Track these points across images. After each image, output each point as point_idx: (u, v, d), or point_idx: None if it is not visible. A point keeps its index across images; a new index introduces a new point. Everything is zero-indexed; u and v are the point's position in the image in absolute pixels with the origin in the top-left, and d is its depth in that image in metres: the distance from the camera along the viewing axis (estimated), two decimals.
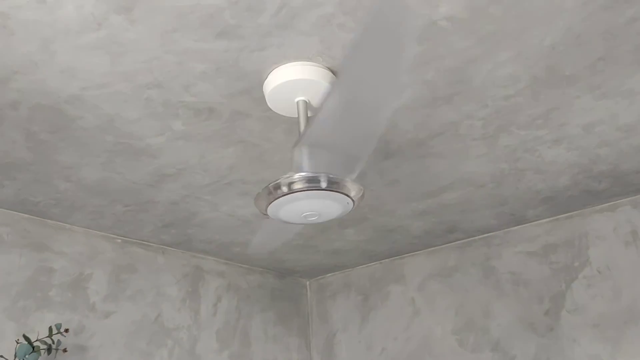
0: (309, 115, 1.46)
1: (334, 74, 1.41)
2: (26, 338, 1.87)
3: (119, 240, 2.44)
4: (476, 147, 1.85)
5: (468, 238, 2.78)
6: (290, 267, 3.08)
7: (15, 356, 1.86)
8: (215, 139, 1.69)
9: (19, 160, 1.76)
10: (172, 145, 1.72)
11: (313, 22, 1.24)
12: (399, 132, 1.73)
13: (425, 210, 2.38)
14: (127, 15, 1.18)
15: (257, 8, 1.18)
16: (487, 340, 2.59)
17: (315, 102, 1.44)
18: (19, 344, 1.88)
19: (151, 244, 2.55)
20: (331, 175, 1.25)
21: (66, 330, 1.95)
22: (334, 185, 1.25)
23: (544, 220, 2.57)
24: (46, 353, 1.93)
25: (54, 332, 1.93)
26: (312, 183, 1.24)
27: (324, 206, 1.29)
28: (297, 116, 1.48)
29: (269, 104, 1.45)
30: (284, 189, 1.25)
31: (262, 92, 1.46)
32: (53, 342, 1.93)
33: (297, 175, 1.24)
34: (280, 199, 1.26)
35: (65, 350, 1.94)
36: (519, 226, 2.64)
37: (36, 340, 1.90)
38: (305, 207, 1.28)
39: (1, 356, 1.88)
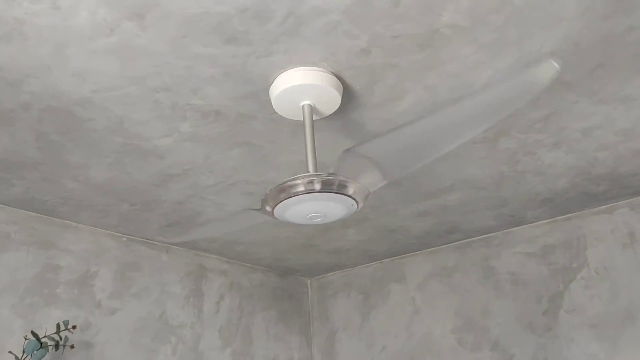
0: (314, 118, 1.50)
1: (338, 79, 1.45)
2: (34, 334, 1.91)
3: (124, 239, 2.48)
4: (477, 150, 1.89)
5: (468, 239, 2.82)
6: (291, 266, 3.12)
7: (23, 352, 1.90)
8: (221, 140, 1.73)
9: (28, 160, 1.79)
10: (178, 147, 1.76)
11: (319, 29, 1.27)
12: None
13: (426, 211, 2.42)
14: (138, 22, 1.22)
15: (265, 16, 1.22)
16: (486, 340, 2.63)
17: (320, 106, 1.48)
18: (27, 340, 1.91)
19: (155, 242, 2.59)
20: (336, 178, 1.28)
21: (74, 327, 1.99)
22: (338, 188, 1.29)
23: (543, 221, 2.61)
24: (54, 349, 1.97)
25: (61, 329, 1.97)
26: (317, 185, 1.27)
27: (328, 208, 1.33)
28: (302, 119, 1.51)
29: (274, 107, 1.49)
30: (290, 191, 1.28)
31: (269, 95, 1.49)
32: (61, 339, 1.97)
33: (302, 178, 1.28)
34: (287, 200, 1.29)
35: (72, 347, 1.98)
36: (518, 227, 2.68)
37: (44, 337, 1.94)
38: (311, 209, 1.32)
39: (10, 352, 1.91)
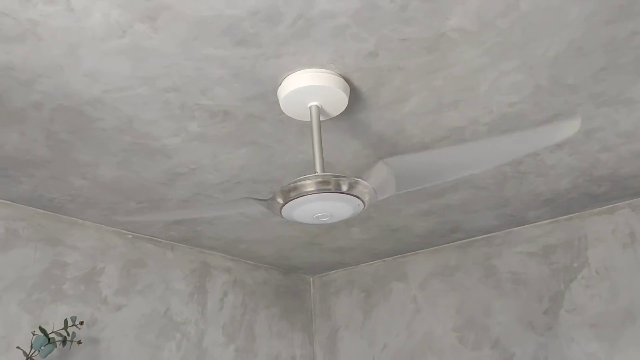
0: (321, 119, 1.52)
1: (346, 81, 1.47)
2: (42, 330, 1.94)
3: (130, 236, 2.50)
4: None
5: (469, 238, 2.85)
6: (294, 264, 3.15)
7: (31, 347, 1.92)
8: (228, 140, 1.75)
9: (37, 158, 1.82)
10: (186, 146, 1.78)
11: (328, 32, 1.29)
12: (405, 136, 1.79)
13: (429, 211, 2.45)
14: (151, 24, 1.24)
15: (275, 18, 1.24)
16: (487, 338, 2.66)
17: (327, 107, 1.50)
18: (35, 336, 1.94)
19: (161, 239, 2.61)
20: (343, 178, 1.31)
21: (81, 323, 2.01)
22: (346, 188, 1.31)
23: (544, 221, 2.64)
24: (61, 345, 1.99)
25: (69, 325, 2.00)
26: (325, 185, 1.30)
27: (335, 207, 1.35)
28: (309, 120, 1.54)
29: (282, 108, 1.51)
30: (298, 191, 1.30)
31: (277, 96, 1.52)
32: (68, 334, 1.99)
33: (310, 178, 1.31)
34: (294, 200, 1.32)
35: (79, 342, 2.00)
36: (520, 227, 2.70)
37: (52, 332, 1.96)
38: (318, 209, 1.34)
39: (18, 347, 1.94)
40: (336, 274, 3.33)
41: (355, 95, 1.54)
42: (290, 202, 1.33)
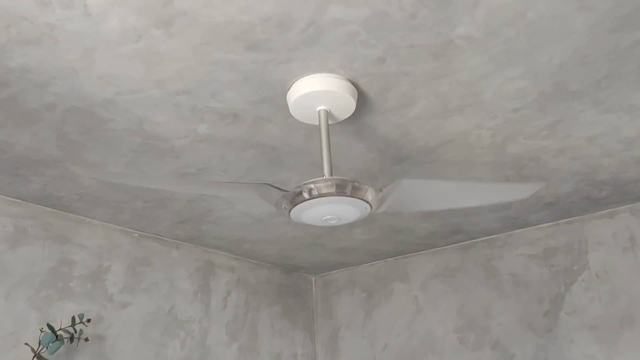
0: (330, 123, 1.55)
1: (354, 86, 1.50)
2: (50, 327, 1.97)
3: (136, 235, 2.53)
4: (484, 154, 1.94)
5: (471, 240, 2.88)
6: (297, 264, 3.18)
7: (39, 344, 1.95)
8: (236, 141, 1.78)
9: (48, 158, 1.84)
10: (195, 147, 1.81)
11: (338, 38, 1.32)
12: (410, 140, 1.82)
13: (431, 213, 2.47)
14: (166, 29, 1.27)
15: (287, 25, 1.27)
16: (487, 339, 2.69)
17: (335, 111, 1.53)
18: (43, 333, 1.97)
19: (166, 238, 2.64)
20: (351, 182, 1.34)
21: (88, 321, 2.04)
22: (354, 192, 1.34)
23: (546, 224, 2.67)
24: (68, 342, 2.02)
25: (76, 322, 2.03)
26: (334, 189, 1.32)
27: (343, 210, 1.38)
28: (316, 123, 1.57)
29: (291, 111, 1.54)
30: (306, 194, 1.33)
31: (285, 100, 1.55)
32: (75, 332, 2.02)
33: (319, 182, 1.33)
34: (303, 203, 1.34)
35: (87, 340, 2.03)
36: (521, 229, 2.73)
37: (59, 330, 1.99)
38: (326, 211, 1.37)
39: (26, 344, 1.97)
40: (338, 274, 3.36)
41: (362, 100, 1.57)
42: (299, 205, 1.36)
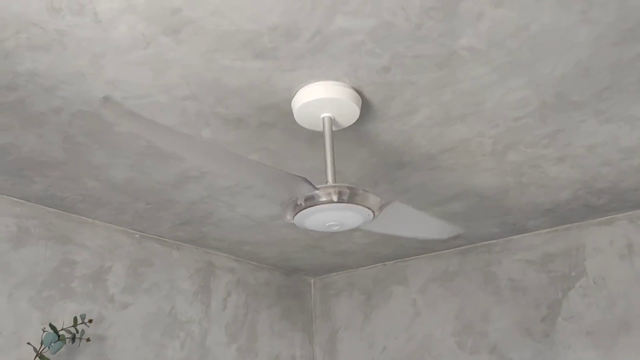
0: (333, 130, 1.57)
1: (358, 93, 1.52)
2: (52, 327, 1.98)
3: (137, 235, 2.54)
4: (485, 162, 1.96)
5: (470, 244, 2.90)
6: (297, 266, 3.19)
7: (41, 344, 1.97)
8: (240, 146, 1.80)
9: (53, 160, 1.86)
10: None
11: (344, 47, 1.34)
12: (412, 146, 1.84)
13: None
14: (174, 37, 1.28)
15: (293, 34, 1.29)
16: (485, 343, 2.71)
17: (339, 118, 1.55)
18: (45, 333, 1.98)
19: (167, 239, 2.66)
20: (355, 189, 1.36)
21: (90, 321, 2.06)
22: (357, 199, 1.36)
23: (544, 230, 2.69)
24: (70, 342, 2.04)
25: (78, 322, 2.04)
26: (338, 196, 1.34)
27: (346, 217, 1.40)
28: (320, 129, 1.59)
29: (296, 118, 1.56)
30: (310, 200, 1.35)
31: (290, 106, 1.56)
32: (77, 332, 2.04)
33: (322, 188, 1.35)
34: (307, 209, 1.36)
35: (88, 340, 2.04)
36: (520, 235, 2.76)
37: (61, 330, 2.01)
38: (330, 218, 1.39)
39: (28, 343, 1.98)
40: (337, 276, 3.38)
41: (366, 107, 1.59)
42: (303, 211, 1.37)
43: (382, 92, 1.53)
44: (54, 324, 2.07)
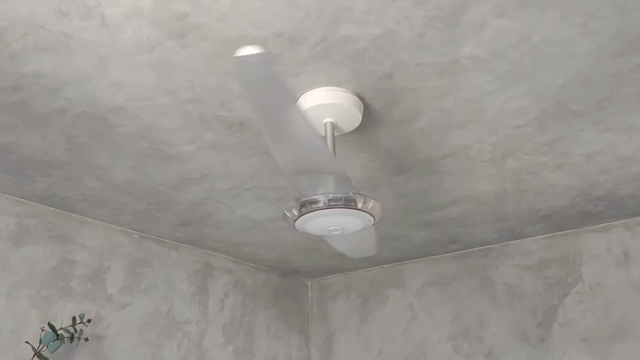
0: (335, 135, 1.58)
1: (360, 99, 1.53)
2: (51, 326, 1.99)
3: (136, 236, 2.55)
4: (484, 168, 1.98)
5: (467, 249, 2.91)
6: (294, 267, 3.21)
7: (40, 342, 1.97)
8: (242, 149, 1.81)
9: (55, 159, 1.87)
10: (200, 153, 1.83)
11: (347, 54, 1.35)
12: (413, 152, 1.85)
13: (430, 222, 2.51)
14: (179, 41, 1.29)
15: (298, 41, 1.30)
16: (481, 348, 2.73)
17: (341, 123, 1.56)
18: (44, 332, 1.99)
19: (166, 240, 2.67)
20: (357, 195, 1.37)
21: (88, 321, 2.06)
22: (358, 204, 1.37)
23: (541, 236, 2.71)
24: (69, 341, 2.04)
25: (77, 322, 2.05)
26: (339, 201, 1.36)
27: (347, 222, 1.41)
28: (323, 134, 1.60)
29: None
30: (312, 205, 1.36)
31: None
32: (76, 331, 2.04)
33: (325, 194, 1.36)
34: (309, 214, 1.37)
35: (87, 339, 2.05)
36: (517, 241, 2.77)
37: (60, 329, 2.01)
38: (331, 223, 1.40)
39: (27, 342, 1.98)
40: (334, 279, 3.39)
41: (368, 113, 1.60)
42: (304, 215, 1.39)
43: (384, 98, 1.54)
44: (52, 323, 2.08)
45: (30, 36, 1.27)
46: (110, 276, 2.41)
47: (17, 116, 1.60)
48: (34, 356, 1.95)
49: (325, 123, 1.54)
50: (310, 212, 1.38)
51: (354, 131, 1.66)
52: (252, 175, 2.00)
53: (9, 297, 2.06)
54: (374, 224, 1.45)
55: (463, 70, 1.43)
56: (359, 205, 1.38)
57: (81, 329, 2.06)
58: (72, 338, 2.04)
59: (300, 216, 1.39)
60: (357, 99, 1.52)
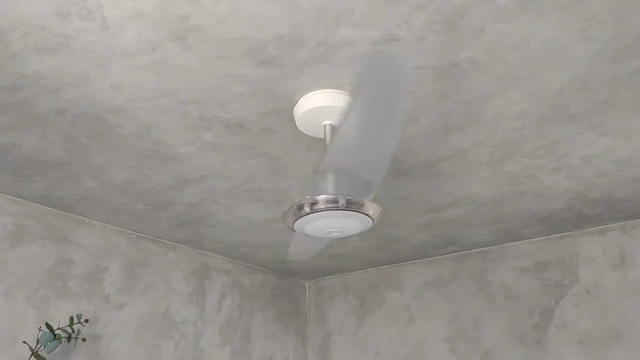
0: None
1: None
2: (48, 326, 1.98)
3: (134, 236, 2.55)
4: (482, 170, 1.99)
5: (465, 251, 2.92)
6: (291, 268, 3.21)
7: (37, 342, 1.97)
8: (241, 150, 1.81)
9: (53, 159, 1.86)
10: (199, 154, 1.84)
11: (347, 57, 1.36)
12: (411, 154, 1.86)
13: (427, 224, 2.52)
14: (180, 43, 1.30)
15: (299, 43, 1.30)
16: (477, 350, 2.74)
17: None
18: (41, 332, 1.99)
19: (163, 240, 2.67)
20: (354, 197, 1.37)
21: (86, 321, 2.06)
22: (357, 206, 1.37)
23: (538, 238, 2.72)
24: (66, 341, 2.04)
25: (74, 322, 2.05)
26: (337, 203, 1.36)
27: (346, 224, 1.41)
28: (321, 136, 1.61)
29: (297, 124, 1.57)
30: (312, 207, 1.37)
31: (292, 113, 1.58)
32: (73, 331, 2.04)
33: (323, 196, 1.37)
34: (308, 216, 1.38)
35: (84, 340, 2.05)
36: (514, 243, 2.78)
37: (57, 329, 2.01)
38: (330, 225, 1.41)
39: (24, 342, 1.98)
40: (331, 280, 3.39)
41: None
42: (303, 217, 1.39)
43: None
44: (50, 323, 2.08)
45: (31, 37, 1.27)
46: (107, 276, 2.41)
47: (17, 116, 1.60)
48: (31, 356, 1.95)
49: (325, 125, 1.55)
50: (310, 213, 1.38)
51: None
52: (251, 177, 2.01)
53: (6, 297, 2.06)
54: (372, 226, 1.46)
55: (462, 73, 1.43)
56: (358, 207, 1.39)
57: (78, 329, 2.06)
58: (69, 338, 2.04)
59: (299, 218, 1.40)
60: None
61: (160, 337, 2.55)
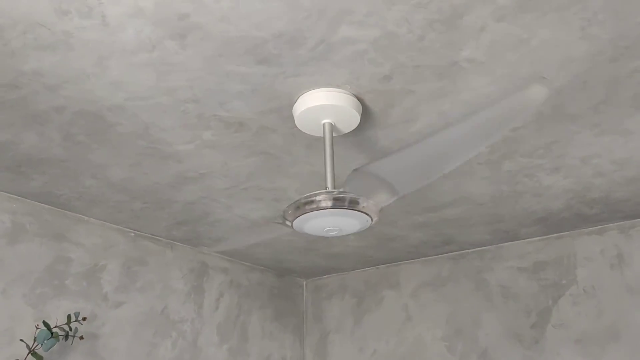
0: (333, 135, 1.59)
1: (359, 101, 1.54)
2: (46, 324, 1.98)
3: (132, 234, 2.55)
4: (481, 170, 1.99)
5: (462, 250, 2.93)
6: (289, 267, 3.21)
7: (34, 341, 1.97)
8: (240, 148, 1.81)
9: (52, 157, 1.86)
10: (198, 153, 1.83)
11: (347, 56, 1.36)
12: None
13: (425, 223, 2.52)
14: (180, 41, 1.29)
15: (298, 42, 1.30)
16: (475, 349, 2.74)
17: (339, 124, 1.57)
18: (39, 330, 1.98)
19: (161, 238, 2.66)
20: (353, 195, 1.37)
21: (84, 319, 2.06)
22: (356, 205, 1.37)
23: (536, 238, 2.72)
24: (63, 339, 2.04)
25: (72, 320, 2.04)
26: (338, 202, 1.36)
27: (345, 223, 1.42)
28: (320, 135, 1.60)
29: (296, 123, 1.57)
30: (311, 205, 1.37)
31: (291, 112, 1.58)
32: (70, 330, 2.04)
33: (323, 194, 1.37)
34: (307, 214, 1.38)
35: (82, 338, 2.05)
36: (512, 242, 2.79)
37: (55, 327, 2.01)
38: (329, 223, 1.41)
39: (21, 340, 1.98)
40: (329, 279, 3.39)
41: (366, 114, 1.61)
42: (302, 216, 1.39)
43: (382, 100, 1.55)
44: (47, 321, 2.07)
45: (30, 34, 1.27)
46: (105, 274, 2.40)
47: (15, 114, 1.60)
48: (28, 354, 1.94)
49: (324, 124, 1.55)
50: (309, 212, 1.38)
51: (352, 132, 1.67)
52: (250, 175, 2.01)
53: (3, 295, 2.05)
54: (371, 225, 1.46)
55: (462, 72, 1.43)
56: (357, 206, 1.39)
57: (76, 327, 2.06)
58: (66, 336, 2.03)
59: (298, 216, 1.40)
60: (356, 100, 1.53)
61: (158, 335, 2.54)
